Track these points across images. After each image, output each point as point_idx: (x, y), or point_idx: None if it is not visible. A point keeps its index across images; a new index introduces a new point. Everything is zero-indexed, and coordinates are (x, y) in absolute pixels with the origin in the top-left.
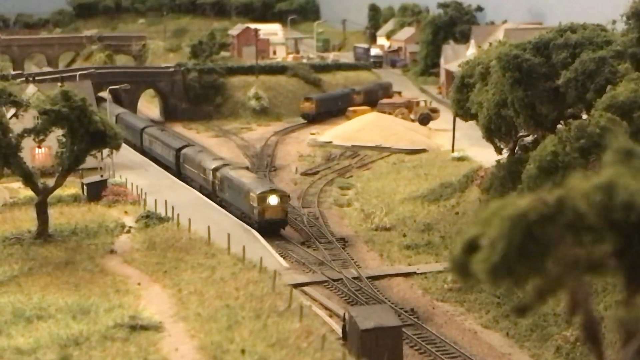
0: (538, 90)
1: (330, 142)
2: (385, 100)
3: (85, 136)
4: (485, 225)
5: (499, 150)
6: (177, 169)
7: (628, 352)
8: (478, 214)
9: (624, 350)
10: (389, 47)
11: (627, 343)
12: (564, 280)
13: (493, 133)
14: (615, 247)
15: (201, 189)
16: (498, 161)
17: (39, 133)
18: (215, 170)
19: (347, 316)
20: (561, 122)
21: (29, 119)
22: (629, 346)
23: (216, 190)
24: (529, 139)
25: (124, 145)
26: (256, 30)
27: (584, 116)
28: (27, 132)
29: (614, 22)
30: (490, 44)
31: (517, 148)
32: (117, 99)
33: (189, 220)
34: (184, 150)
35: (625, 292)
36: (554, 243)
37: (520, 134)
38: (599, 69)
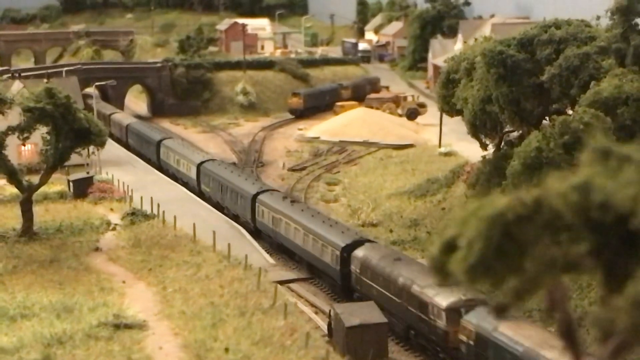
0: (523, 86)
1: (317, 138)
2: (373, 95)
3: (70, 133)
4: (463, 225)
5: (484, 146)
6: (342, 278)
7: (605, 351)
8: (459, 212)
9: (602, 349)
10: (377, 41)
11: (605, 342)
12: (542, 280)
13: (478, 129)
14: (592, 247)
15: (412, 331)
16: (484, 157)
17: (23, 131)
18: (453, 310)
19: (332, 313)
20: (546, 118)
21: (15, 116)
22: (607, 345)
23: (470, 355)
24: (515, 134)
25: (110, 141)
26: (244, 25)
27: (569, 112)
28: (11, 129)
29: (598, 17)
30: (476, 39)
31: (502, 143)
32: (104, 95)
33: (175, 217)
34: (361, 253)
35: (602, 291)
36: (532, 243)
37: (506, 130)
38: (583, 65)
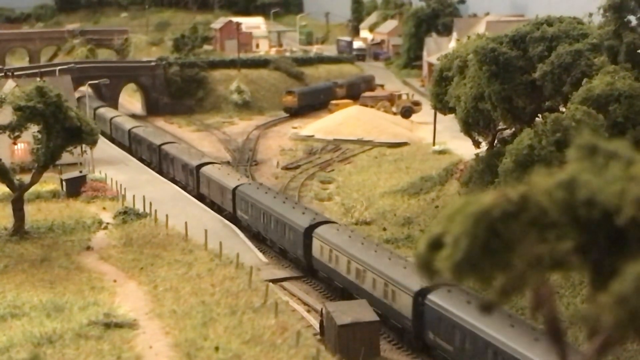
0: (515, 83)
1: (312, 136)
2: (367, 94)
3: (61, 132)
4: (450, 223)
5: (476, 144)
6: None
7: (592, 348)
8: (446, 209)
9: (588, 346)
10: (372, 39)
11: (592, 339)
12: (528, 277)
13: (471, 127)
14: (578, 244)
15: None
16: (477, 154)
17: (14, 129)
18: None
19: (324, 311)
20: (538, 115)
21: (7, 114)
22: (593, 342)
23: None
24: (508, 132)
25: (103, 139)
26: (238, 24)
27: (562, 109)
28: (1, 128)
29: (590, 15)
30: (469, 37)
31: (495, 141)
32: (98, 93)
33: (167, 216)
34: None
35: (589, 288)
36: (518, 240)
37: (499, 127)
38: (575, 62)
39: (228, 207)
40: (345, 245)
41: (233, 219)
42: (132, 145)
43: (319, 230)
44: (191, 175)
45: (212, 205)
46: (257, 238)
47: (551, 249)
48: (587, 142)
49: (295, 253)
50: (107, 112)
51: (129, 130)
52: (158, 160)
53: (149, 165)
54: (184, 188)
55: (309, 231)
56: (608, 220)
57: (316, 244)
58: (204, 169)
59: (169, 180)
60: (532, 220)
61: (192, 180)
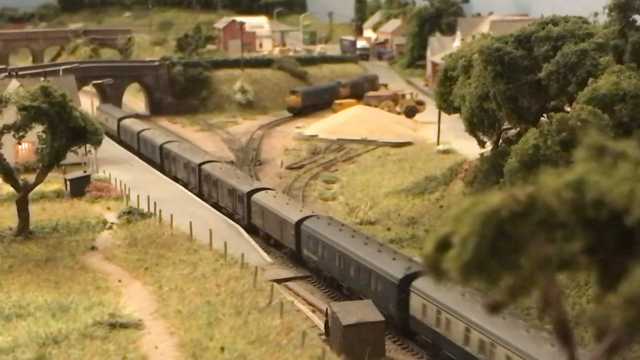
0: (520, 83)
1: (315, 136)
2: (371, 93)
3: (66, 132)
4: (457, 223)
5: (481, 144)
6: None
7: (600, 349)
8: (453, 209)
9: (597, 347)
10: (376, 39)
11: (600, 340)
12: (537, 278)
13: (476, 126)
14: (586, 244)
15: None
16: (482, 154)
17: (18, 129)
18: None
19: (329, 311)
20: (544, 115)
21: (12, 114)
22: (601, 343)
23: None
24: (513, 131)
25: (108, 139)
26: (242, 24)
27: (567, 109)
28: (6, 128)
29: (595, 14)
30: (473, 36)
31: (500, 141)
32: (102, 93)
33: (171, 215)
34: None
35: (597, 289)
36: (526, 240)
37: (504, 127)
38: (581, 62)
39: (289, 243)
40: (460, 307)
41: (297, 258)
42: (165, 162)
43: (419, 283)
44: (240, 202)
45: (268, 239)
46: (331, 285)
47: (559, 250)
48: (596, 142)
49: (385, 309)
50: (133, 124)
51: (161, 146)
52: (197, 181)
53: (185, 186)
54: (231, 216)
55: (404, 283)
56: (616, 221)
57: (416, 301)
58: (257, 196)
59: (212, 205)
60: (540, 221)
61: (241, 208)
